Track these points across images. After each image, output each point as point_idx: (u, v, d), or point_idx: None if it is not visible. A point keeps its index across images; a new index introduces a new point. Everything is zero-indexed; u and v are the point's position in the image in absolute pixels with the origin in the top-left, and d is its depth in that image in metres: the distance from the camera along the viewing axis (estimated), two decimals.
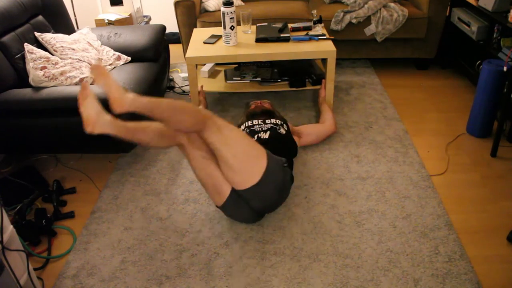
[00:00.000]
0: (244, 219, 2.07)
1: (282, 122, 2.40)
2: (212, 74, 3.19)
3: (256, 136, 2.28)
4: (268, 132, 2.29)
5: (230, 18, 2.68)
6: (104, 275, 1.88)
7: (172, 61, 3.79)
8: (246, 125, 2.40)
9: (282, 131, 2.33)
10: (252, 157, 1.88)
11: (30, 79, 2.39)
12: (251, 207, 1.99)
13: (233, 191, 1.93)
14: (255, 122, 2.39)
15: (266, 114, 2.48)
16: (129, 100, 1.74)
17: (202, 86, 2.92)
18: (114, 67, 2.80)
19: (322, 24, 3.00)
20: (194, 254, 1.96)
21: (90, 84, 1.95)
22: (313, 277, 1.82)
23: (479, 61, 3.06)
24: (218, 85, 3.03)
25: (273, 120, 2.40)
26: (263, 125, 2.36)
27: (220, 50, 2.76)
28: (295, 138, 2.48)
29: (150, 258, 1.95)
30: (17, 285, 1.52)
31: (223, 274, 1.86)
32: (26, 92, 2.30)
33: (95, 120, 1.82)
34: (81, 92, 1.83)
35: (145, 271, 1.89)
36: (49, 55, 2.47)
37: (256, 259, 1.92)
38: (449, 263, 1.86)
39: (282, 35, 2.83)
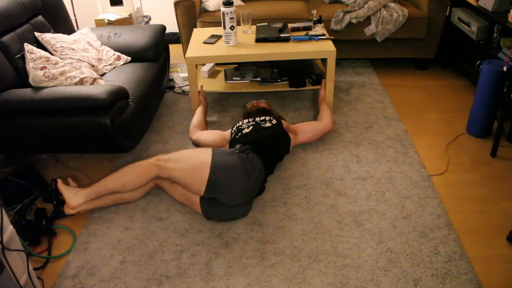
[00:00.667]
0: (232, 216, 2.11)
1: (271, 118, 2.44)
2: (212, 74, 3.19)
3: (240, 133, 2.35)
4: (251, 127, 2.36)
5: (230, 18, 2.68)
6: (104, 275, 1.88)
7: (172, 61, 3.79)
8: (237, 125, 2.45)
9: (268, 124, 2.38)
10: (195, 165, 2.05)
11: (30, 79, 2.39)
12: (228, 203, 2.05)
13: (201, 198, 2.09)
14: (245, 121, 2.45)
15: (261, 112, 2.50)
16: (76, 201, 2.09)
17: (202, 86, 2.92)
18: (114, 67, 2.80)
19: (322, 24, 3.00)
20: (194, 254, 1.96)
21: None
22: (313, 277, 1.82)
23: (479, 61, 3.06)
24: (218, 85, 3.03)
25: (263, 117, 2.43)
26: (251, 122, 2.42)
27: (220, 50, 2.76)
28: (292, 135, 2.48)
29: (150, 258, 1.95)
30: (17, 285, 1.52)
31: (223, 274, 1.86)
32: (26, 92, 2.30)
33: (72, 207, 2.11)
34: (60, 180, 2.17)
35: (145, 271, 1.89)
36: (49, 55, 2.47)
37: (256, 259, 1.92)
38: (449, 263, 1.86)
39: (282, 35, 2.83)
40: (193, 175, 2.02)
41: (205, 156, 2.06)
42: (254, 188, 2.10)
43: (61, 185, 2.12)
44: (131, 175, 2.09)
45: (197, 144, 2.66)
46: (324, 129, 2.64)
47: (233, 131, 2.44)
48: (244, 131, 2.34)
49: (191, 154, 2.13)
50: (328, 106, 2.80)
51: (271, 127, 2.36)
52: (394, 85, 3.36)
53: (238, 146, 2.18)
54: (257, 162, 2.12)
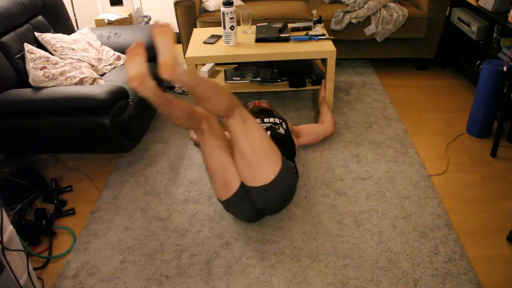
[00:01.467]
0: (243, 217, 2.07)
1: (281, 121, 2.41)
2: (212, 74, 3.19)
3: None
4: (268, 132, 2.29)
5: (230, 18, 2.68)
6: (104, 275, 1.88)
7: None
8: None
9: (282, 130, 2.33)
10: (269, 157, 1.88)
11: (30, 79, 2.39)
12: (254, 207, 1.98)
13: (241, 187, 1.91)
14: (258, 120, 2.38)
15: (264, 113, 2.49)
16: (180, 71, 1.67)
17: None
18: (114, 67, 2.81)
19: (322, 24, 3.00)
20: (194, 254, 1.96)
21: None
22: (313, 277, 1.82)
23: (479, 61, 3.06)
24: None
25: (271, 119, 2.40)
26: (261, 124, 2.36)
27: (220, 50, 2.76)
28: (294, 138, 2.48)
29: (150, 258, 1.95)
30: (17, 285, 1.52)
31: (223, 274, 1.86)
32: (26, 92, 2.30)
33: (143, 79, 1.72)
34: (133, 48, 1.73)
35: (145, 271, 1.89)
36: (49, 55, 2.47)
37: (256, 259, 1.92)
38: (449, 263, 1.86)
39: (282, 35, 2.83)
40: (262, 163, 1.85)
41: (278, 154, 1.92)
42: (275, 211, 2.12)
43: (172, 32, 1.71)
44: (224, 100, 1.77)
45: (198, 144, 2.66)
46: (326, 132, 2.65)
47: None
48: None
49: (269, 140, 1.91)
50: (328, 108, 2.80)
51: (284, 134, 2.32)
52: (394, 85, 3.36)
53: (293, 164, 2.09)
54: (294, 191, 2.13)
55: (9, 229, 1.57)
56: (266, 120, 2.39)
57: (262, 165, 1.86)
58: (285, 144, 2.27)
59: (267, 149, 1.88)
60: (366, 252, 1.93)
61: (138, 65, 1.73)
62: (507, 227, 2.05)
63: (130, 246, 2.02)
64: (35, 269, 1.90)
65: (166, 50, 1.67)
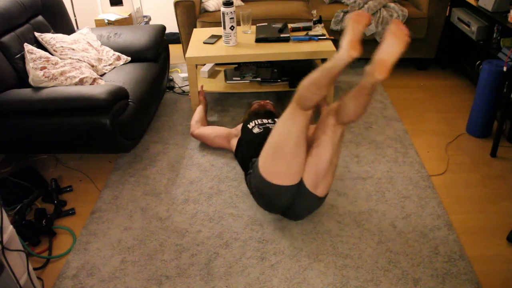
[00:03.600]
0: (269, 205, 2.04)
1: None
2: (212, 74, 3.19)
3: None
4: None
5: (230, 18, 2.68)
6: (104, 275, 1.88)
7: (172, 61, 3.79)
8: (258, 122, 2.37)
9: None
10: (333, 175, 1.94)
11: (30, 79, 2.39)
12: (291, 205, 1.98)
13: (299, 184, 1.90)
14: (265, 121, 2.38)
15: (268, 115, 2.49)
16: (386, 76, 1.68)
17: (202, 86, 2.92)
18: (114, 67, 2.81)
19: (322, 24, 3.00)
20: (194, 254, 1.96)
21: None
22: (313, 277, 1.82)
23: (479, 61, 3.06)
24: (218, 85, 3.03)
25: (277, 121, 2.39)
26: (273, 124, 2.36)
27: (220, 50, 2.76)
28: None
29: (150, 258, 1.95)
30: (17, 285, 1.52)
31: (223, 274, 1.86)
32: (26, 92, 2.30)
33: (359, 48, 1.70)
34: (363, 15, 1.73)
35: (145, 271, 1.89)
36: (49, 55, 2.47)
37: (256, 259, 1.92)
38: (449, 263, 1.86)
39: (282, 35, 2.83)
40: (329, 174, 1.90)
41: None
42: (288, 215, 2.12)
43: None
44: (365, 110, 1.81)
45: (198, 140, 2.66)
46: (343, 131, 2.63)
47: (253, 127, 2.32)
48: None
49: (337, 163, 1.97)
50: None
51: None
52: (394, 85, 3.36)
53: None
54: None
55: (9, 229, 1.57)
56: (271, 121, 2.39)
57: (326, 179, 1.91)
58: None
59: (335, 167, 1.94)
60: (366, 252, 1.93)
61: (358, 33, 1.71)
62: (507, 227, 2.05)
63: (130, 246, 2.02)
64: (35, 269, 1.90)
65: (394, 52, 1.69)
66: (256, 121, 2.39)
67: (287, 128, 1.85)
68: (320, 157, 1.86)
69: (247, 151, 2.20)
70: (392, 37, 1.66)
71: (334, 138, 1.84)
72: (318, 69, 1.75)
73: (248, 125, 2.38)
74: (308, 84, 1.76)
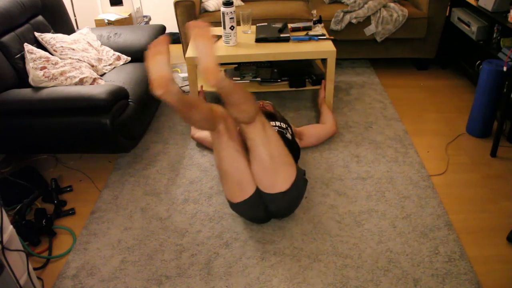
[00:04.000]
0: (252, 219, 2.06)
1: (287, 126, 2.38)
2: None
3: None
4: None
5: (230, 18, 2.68)
6: (104, 275, 1.88)
7: (172, 61, 3.79)
8: None
9: (289, 136, 2.30)
10: (286, 164, 1.88)
11: (30, 79, 2.39)
12: (267, 210, 1.98)
13: (256, 192, 1.91)
14: None
15: (268, 116, 2.48)
16: (221, 76, 1.62)
17: (202, 86, 2.92)
18: (114, 67, 2.81)
19: (322, 24, 3.00)
20: (194, 254, 1.96)
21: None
22: (313, 277, 1.82)
23: (479, 61, 3.06)
24: None
25: (278, 123, 2.38)
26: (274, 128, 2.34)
27: (220, 50, 2.76)
28: (297, 140, 2.47)
29: (150, 258, 1.95)
30: (17, 285, 1.52)
31: (223, 274, 1.86)
32: (26, 92, 2.30)
33: (167, 84, 1.57)
34: (157, 44, 1.59)
35: (145, 271, 1.89)
36: (49, 55, 2.47)
37: (256, 259, 1.92)
38: (449, 263, 1.86)
39: (282, 35, 2.83)
40: (279, 171, 1.85)
41: (293, 163, 1.94)
42: (282, 215, 2.12)
43: (211, 33, 1.63)
44: (252, 107, 1.75)
45: (199, 142, 2.66)
46: (328, 133, 2.65)
47: None
48: None
49: (285, 148, 1.90)
50: (329, 108, 2.80)
51: (291, 139, 2.29)
52: (394, 85, 3.36)
53: (304, 170, 2.07)
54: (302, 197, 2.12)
55: (9, 229, 1.57)
56: (272, 124, 2.37)
57: (280, 172, 1.86)
58: (292, 148, 2.25)
59: (284, 156, 1.88)
60: (366, 252, 1.93)
61: (161, 66, 1.57)
62: (507, 227, 2.05)
63: (130, 246, 2.02)
64: (35, 269, 1.90)
65: (208, 54, 1.59)
66: None
67: (217, 150, 1.89)
68: (258, 159, 1.84)
69: None
70: (198, 39, 1.60)
71: (257, 136, 1.80)
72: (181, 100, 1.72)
73: None
74: (183, 119, 1.81)
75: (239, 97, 1.71)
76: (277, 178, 1.87)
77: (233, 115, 1.79)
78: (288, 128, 2.37)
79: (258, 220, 2.07)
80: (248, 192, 1.90)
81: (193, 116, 1.76)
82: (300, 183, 1.97)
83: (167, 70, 1.58)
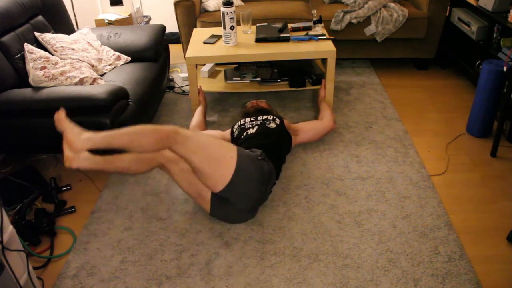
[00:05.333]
0: (237, 219, 2.09)
1: (274, 117, 2.42)
2: (212, 74, 3.19)
3: (245, 133, 2.32)
4: (256, 127, 2.32)
5: (230, 18, 2.68)
6: (104, 275, 1.88)
7: (172, 61, 3.79)
8: (239, 123, 2.44)
9: (272, 125, 2.34)
10: (220, 159, 1.89)
11: (30, 79, 2.38)
12: (237, 207, 2.01)
13: (213, 195, 2.01)
14: (247, 120, 2.44)
15: (261, 112, 2.50)
16: (82, 143, 1.78)
17: (200, 86, 2.92)
18: (114, 67, 2.81)
19: (322, 24, 3.00)
20: (194, 254, 1.96)
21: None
22: (313, 277, 1.82)
23: (479, 61, 3.06)
24: (218, 85, 3.03)
25: (265, 116, 2.42)
26: (254, 121, 2.40)
27: (220, 50, 2.76)
28: (292, 135, 2.48)
29: (150, 258, 1.95)
30: (17, 285, 1.52)
31: (223, 274, 1.86)
32: (26, 92, 2.30)
33: (72, 157, 1.81)
34: (56, 117, 1.86)
35: (145, 271, 1.89)
36: (49, 55, 2.47)
37: (256, 259, 1.92)
38: (449, 263, 1.86)
39: (282, 35, 2.83)
40: (215, 168, 1.87)
41: (230, 153, 1.92)
42: (265, 198, 2.14)
43: (63, 118, 1.84)
44: (147, 138, 1.80)
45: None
46: (325, 128, 2.64)
47: (235, 130, 2.44)
48: (249, 131, 2.31)
49: (216, 144, 1.91)
50: (328, 105, 2.80)
51: (276, 128, 2.33)
52: (394, 85, 3.36)
53: (259, 152, 2.08)
54: (273, 174, 2.10)
55: (9, 229, 1.57)
56: (259, 118, 2.42)
57: (216, 170, 1.88)
58: (276, 137, 2.28)
59: (215, 153, 1.89)
60: (366, 252, 1.93)
61: (67, 138, 1.81)
62: (507, 227, 2.05)
63: (130, 246, 2.02)
64: (35, 268, 1.90)
65: (69, 136, 1.81)
66: (239, 121, 2.46)
67: (174, 179, 2.08)
68: (195, 169, 1.90)
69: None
70: (57, 125, 1.85)
71: (182, 152, 1.84)
72: None
73: (233, 128, 2.46)
74: (120, 174, 2.10)
75: (122, 140, 1.80)
76: (215, 176, 1.89)
77: (140, 154, 1.95)
78: (276, 119, 2.40)
79: (244, 218, 2.10)
80: (207, 198, 2.03)
81: (121, 167, 1.93)
82: (248, 168, 1.94)
83: (72, 137, 1.81)
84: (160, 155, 1.99)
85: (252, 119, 2.43)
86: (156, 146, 1.81)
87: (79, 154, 1.80)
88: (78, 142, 1.78)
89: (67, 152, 1.81)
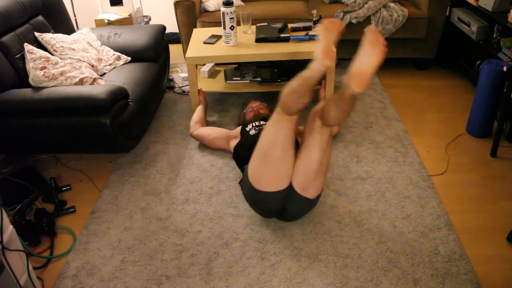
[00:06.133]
0: (262, 211, 2.05)
1: None
2: (212, 74, 3.19)
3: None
4: None
5: (230, 18, 2.68)
6: (104, 275, 1.88)
7: (172, 61, 3.79)
8: (254, 124, 2.39)
9: None
10: (324, 175, 1.91)
11: (30, 79, 2.39)
12: (283, 209, 1.98)
13: (287, 188, 1.89)
14: (262, 122, 2.40)
15: (266, 118, 2.49)
16: (368, 84, 1.67)
17: (200, 88, 2.92)
18: (114, 67, 2.81)
19: None
20: (194, 254, 1.96)
21: None
22: (313, 277, 1.82)
23: (479, 61, 3.06)
24: (218, 85, 3.03)
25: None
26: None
27: (220, 50, 2.76)
28: (299, 139, 2.47)
29: (150, 258, 1.95)
30: (17, 285, 1.52)
31: (223, 274, 1.86)
32: (26, 92, 2.30)
33: (332, 57, 1.65)
34: (334, 23, 1.72)
35: (145, 271, 1.89)
36: (49, 55, 2.47)
37: (256, 259, 1.92)
38: (449, 263, 1.86)
39: (282, 35, 2.83)
40: (322, 176, 1.91)
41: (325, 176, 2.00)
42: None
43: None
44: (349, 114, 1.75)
45: (197, 140, 2.65)
46: (331, 132, 2.62)
47: (249, 129, 2.37)
48: None
49: (328, 163, 1.96)
50: None
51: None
52: (394, 85, 3.36)
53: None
54: None
55: (9, 229, 1.57)
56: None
57: (317, 181, 1.89)
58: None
59: (326, 167, 1.90)
60: (366, 252, 1.93)
61: (330, 41, 1.69)
62: (507, 227, 2.05)
63: (130, 246, 2.02)
64: (35, 268, 1.90)
65: (371, 63, 1.58)
66: (254, 123, 2.41)
67: (273, 133, 1.84)
68: (308, 159, 1.84)
69: (246, 153, 2.20)
70: (370, 46, 1.59)
71: (322, 140, 1.82)
72: (297, 78, 1.74)
73: (246, 128, 2.41)
74: (288, 93, 1.76)
75: (349, 109, 1.71)
76: (313, 184, 1.88)
77: (328, 114, 1.75)
78: None
79: (266, 214, 2.07)
80: (281, 185, 1.87)
81: (304, 100, 1.76)
82: (318, 199, 2.01)
83: (332, 46, 1.69)
84: (298, 115, 1.87)
85: (262, 124, 2.38)
86: (339, 125, 1.88)
87: (333, 56, 1.67)
88: (369, 81, 1.60)
89: (331, 47, 1.68)
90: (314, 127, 1.83)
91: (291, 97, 1.75)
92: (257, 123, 2.40)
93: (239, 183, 2.12)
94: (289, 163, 1.85)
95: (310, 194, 1.90)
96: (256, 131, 2.31)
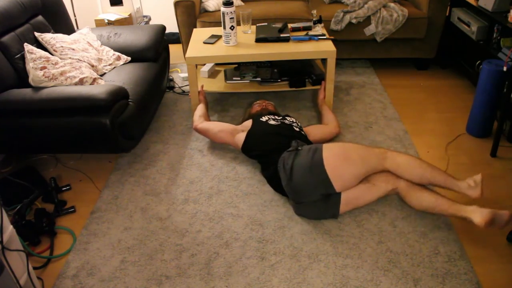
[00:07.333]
0: (296, 188, 2.09)
1: (295, 121, 2.51)
2: (212, 74, 3.19)
3: (292, 130, 2.37)
4: (297, 129, 2.43)
5: (230, 18, 2.68)
6: (104, 275, 1.88)
7: (172, 61, 3.79)
8: (270, 117, 2.48)
9: (297, 129, 2.43)
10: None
11: (30, 79, 2.39)
12: (317, 200, 2.07)
13: (336, 193, 2.06)
14: (276, 116, 2.50)
15: (273, 114, 2.53)
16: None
17: (202, 86, 2.92)
18: (114, 67, 2.81)
19: (322, 24, 3.00)
20: (194, 254, 1.96)
21: None
22: (313, 277, 1.82)
23: (479, 61, 3.06)
24: (218, 85, 3.03)
25: (291, 118, 2.52)
26: (284, 121, 2.47)
27: (220, 50, 2.76)
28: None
29: (150, 258, 1.95)
30: (17, 285, 1.52)
31: (223, 274, 1.86)
32: (26, 92, 2.30)
33: None
34: None
35: (145, 271, 1.89)
36: (49, 55, 2.47)
37: (256, 259, 1.92)
38: (449, 263, 1.86)
39: (282, 35, 2.83)
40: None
41: None
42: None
43: None
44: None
45: (201, 134, 2.63)
46: (332, 133, 2.64)
47: (267, 119, 2.45)
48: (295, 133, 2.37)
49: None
50: (329, 109, 2.79)
51: (299, 132, 2.40)
52: (394, 85, 3.36)
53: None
54: None
55: (9, 229, 1.57)
56: (287, 119, 2.50)
57: (350, 207, 2.14)
58: (300, 140, 2.35)
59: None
60: (366, 252, 1.93)
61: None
62: (507, 227, 2.04)
63: (130, 246, 2.02)
64: (35, 268, 1.90)
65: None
66: (268, 116, 2.49)
67: (367, 158, 2.07)
68: (365, 195, 2.09)
69: (267, 139, 2.30)
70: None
71: (382, 192, 2.11)
72: None
73: (261, 119, 2.45)
74: None
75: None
76: (349, 206, 2.12)
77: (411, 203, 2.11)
78: (297, 123, 2.51)
79: (294, 190, 2.11)
80: (339, 188, 2.05)
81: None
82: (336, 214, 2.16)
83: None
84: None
85: (281, 118, 2.49)
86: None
87: None
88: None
89: None
90: (388, 182, 2.11)
91: None
92: (272, 116, 2.48)
93: (266, 160, 2.26)
94: (357, 181, 2.08)
95: (341, 210, 2.09)
96: (278, 122, 2.40)
